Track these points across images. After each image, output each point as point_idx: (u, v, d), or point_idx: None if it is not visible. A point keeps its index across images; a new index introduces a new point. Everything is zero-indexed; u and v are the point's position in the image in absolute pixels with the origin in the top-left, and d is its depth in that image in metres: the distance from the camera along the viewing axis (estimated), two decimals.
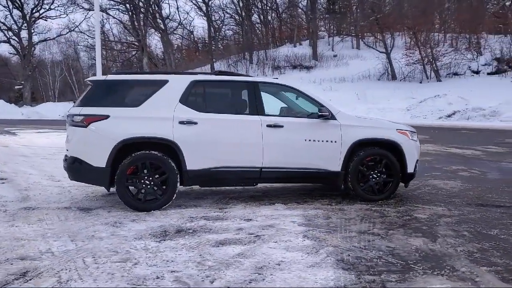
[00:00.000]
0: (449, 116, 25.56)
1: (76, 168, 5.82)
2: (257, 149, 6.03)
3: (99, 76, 6.32)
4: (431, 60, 33.30)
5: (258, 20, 56.41)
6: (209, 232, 4.94)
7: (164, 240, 4.65)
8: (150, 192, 5.82)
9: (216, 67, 44.49)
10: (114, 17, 50.65)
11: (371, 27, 38.47)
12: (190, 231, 4.98)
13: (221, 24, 56.42)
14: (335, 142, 6.21)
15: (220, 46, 56.41)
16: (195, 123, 5.88)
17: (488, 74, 33.02)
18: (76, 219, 5.47)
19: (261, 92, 6.22)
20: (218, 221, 5.38)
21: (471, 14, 36.44)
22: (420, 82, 33.76)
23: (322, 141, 6.19)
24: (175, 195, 5.94)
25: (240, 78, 6.40)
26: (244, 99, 6.21)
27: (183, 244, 4.52)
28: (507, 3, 42.04)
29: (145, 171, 5.80)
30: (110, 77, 6.08)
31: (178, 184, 5.89)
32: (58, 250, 4.35)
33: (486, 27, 36.75)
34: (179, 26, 54.99)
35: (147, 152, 5.78)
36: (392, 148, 6.38)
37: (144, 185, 5.80)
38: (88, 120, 5.74)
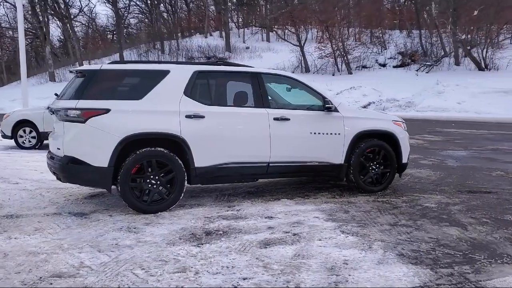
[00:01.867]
0: (364, 107, 26.80)
1: (73, 169, 5.18)
2: (264, 143, 5.80)
3: (93, 66, 5.65)
4: (342, 53, 34.67)
5: (165, 9, 54.90)
6: (241, 232, 4.66)
7: (203, 244, 4.30)
8: (156, 192, 5.35)
9: (125, 57, 42.65)
10: (7, 1, 46.36)
11: (284, 19, 39.12)
12: (220, 232, 4.66)
13: (126, 12, 54.08)
14: (339, 134, 6.16)
15: (125, 34, 54.12)
16: (202, 117, 5.50)
17: (394, 67, 35.18)
18: (81, 226, 4.88)
19: (266, 84, 5.98)
20: (240, 220, 5.10)
21: (371, 10, 38.52)
22: (333, 75, 35.03)
23: (327, 133, 6.12)
24: (182, 195, 5.53)
25: (244, 69, 6.10)
26: (249, 91, 5.93)
27: (228, 247, 4.21)
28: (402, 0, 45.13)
29: (150, 169, 5.32)
30: (106, 67, 5.48)
31: (186, 182, 5.48)
32: (94, 263, 3.83)
33: (388, 22, 39.05)
34: (80, 13, 51.92)
35: (153, 149, 5.31)
36: (389, 139, 6.48)
37: (149, 185, 5.32)
38: (87, 115, 5.12)
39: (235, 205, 5.77)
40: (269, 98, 6.01)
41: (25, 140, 11.64)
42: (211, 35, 49.83)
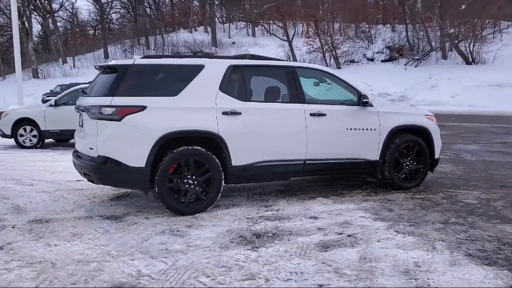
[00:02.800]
0: None
1: (109, 169, 4.89)
2: (301, 140, 5.59)
3: (125, 61, 5.35)
4: (331, 48, 34.62)
5: (147, 4, 54.12)
6: (292, 234, 4.45)
7: (258, 248, 4.07)
8: (193, 192, 5.11)
9: (110, 52, 41.94)
10: None
11: (271, 14, 38.92)
12: (270, 234, 4.44)
13: (108, 8, 53.15)
14: (374, 130, 5.99)
15: (108, 30, 53.22)
16: (239, 113, 5.26)
17: (382, 61, 35.32)
18: (120, 230, 4.61)
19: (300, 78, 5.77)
20: (284, 221, 4.89)
21: (357, 5, 38.56)
22: None
23: (362, 129, 5.94)
24: (219, 195, 5.29)
25: (279, 63, 5.87)
26: (284, 86, 5.71)
27: (286, 251, 3.99)
28: None
29: (187, 169, 5.07)
30: (139, 61, 5.19)
31: (223, 182, 5.24)
32: (152, 272, 3.58)
33: (373, 17, 39.19)
34: (62, 8, 50.85)
35: (190, 147, 5.05)
36: (422, 134, 6.33)
37: (187, 186, 5.07)
38: (122, 112, 4.84)
39: (271, 204, 5.55)
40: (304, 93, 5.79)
41: (25, 139, 11.21)
42: (195, 30, 49.34)
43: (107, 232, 4.57)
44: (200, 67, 5.28)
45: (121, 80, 4.94)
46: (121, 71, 4.99)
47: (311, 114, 5.63)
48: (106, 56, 41.70)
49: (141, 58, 5.32)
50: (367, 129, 5.95)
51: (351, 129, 5.87)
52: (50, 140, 11.97)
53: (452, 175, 7.26)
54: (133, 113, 4.86)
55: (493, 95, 20.90)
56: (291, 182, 6.79)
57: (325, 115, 5.70)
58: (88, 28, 58.05)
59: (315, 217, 5.03)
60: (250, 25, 47.37)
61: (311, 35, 36.61)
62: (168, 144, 4.98)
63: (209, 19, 45.11)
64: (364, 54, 36.42)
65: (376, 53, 36.31)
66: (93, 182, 5.17)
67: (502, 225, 4.68)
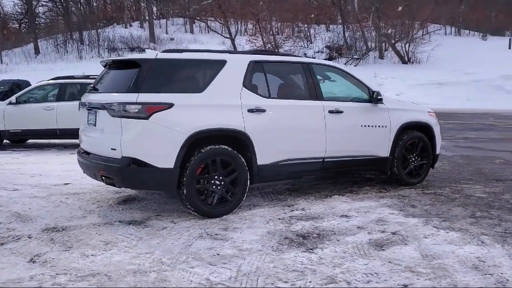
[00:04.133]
0: None
1: (135, 171, 4.55)
2: (320, 138, 5.52)
3: (146, 55, 4.96)
4: (274, 46, 34.85)
5: None
6: (336, 234, 4.36)
7: (312, 250, 3.95)
8: (220, 194, 4.88)
9: (41, 47, 39.70)
10: None
11: (213, 11, 38.56)
12: (315, 235, 4.32)
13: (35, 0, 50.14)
14: (385, 126, 6.03)
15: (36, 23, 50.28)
16: (263, 110, 5.09)
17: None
18: (155, 237, 4.30)
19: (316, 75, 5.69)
20: (317, 220, 4.79)
21: (296, 4, 39.13)
22: None
23: (375, 126, 5.96)
24: (245, 196, 5.10)
25: (297, 58, 5.75)
26: (303, 82, 5.60)
27: (345, 252, 3.90)
28: None
29: (214, 169, 4.83)
30: (163, 55, 4.87)
31: (248, 182, 5.06)
32: (222, 279, 3.36)
33: (312, 17, 39.97)
34: None
35: (217, 147, 4.82)
36: (425, 130, 6.46)
37: (214, 187, 4.84)
38: (150, 110, 4.52)
39: (293, 204, 5.43)
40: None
41: None
42: (130, 25, 47.81)
43: (140, 239, 4.25)
44: (222, 62, 5.05)
45: (145, 75, 4.61)
46: (144, 65, 4.65)
47: (330, 111, 5.57)
48: (37, 52, 39.40)
49: (163, 52, 5.00)
50: (379, 126, 5.98)
51: (365, 126, 5.87)
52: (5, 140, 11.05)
53: (443, 170, 7.49)
54: (160, 110, 4.55)
55: (436, 93, 21.96)
56: (296, 180, 6.69)
57: (342, 112, 5.66)
58: (12, 21, 54.47)
59: (346, 215, 4.96)
60: (188, 21, 46.65)
61: (253, 34, 36.62)
62: (195, 143, 4.71)
63: (147, 14, 43.86)
64: (305, 54, 36.88)
65: (317, 52, 36.97)
66: (113, 185, 4.80)
67: None
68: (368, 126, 5.89)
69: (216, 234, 4.35)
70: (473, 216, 4.89)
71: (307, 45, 38.51)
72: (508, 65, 26.58)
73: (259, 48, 35.48)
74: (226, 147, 4.86)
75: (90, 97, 5.05)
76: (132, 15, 51.28)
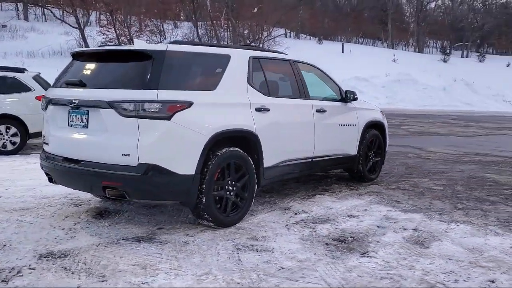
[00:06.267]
0: None
1: (154, 180, 3.91)
2: (310, 137, 5.43)
3: (155, 46, 4.21)
4: (128, 39, 33.30)
5: None
6: (368, 235, 4.33)
7: (365, 253, 3.86)
8: (232, 200, 4.50)
9: None
10: None
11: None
12: (351, 239, 4.23)
13: None
14: (355, 125, 6.18)
15: None
16: (268, 109, 4.82)
17: None
18: (191, 254, 3.76)
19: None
20: (333, 222, 4.70)
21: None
22: None
23: (348, 125, 6.07)
24: (253, 201, 4.78)
25: (284, 56, 5.52)
26: (293, 80, 5.42)
27: (400, 253, 3.89)
28: None
29: (229, 174, 4.44)
30: (174, 47, 4.24)
31: (256, 186, 4.75)
32: None
33: (170, 12, 39.29)
34: None
35: (231, 149, 4.42)
36: (380, 129, 6.78)
37: (228, 193, 4.44)
38: (172, 109, 3.93)
39: (287, 207, 5.23)
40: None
41: None
42: None
43: (176, 258, 3.68)
44: (227, 57, 4.64)
45: (161, 69, 3.99)
46: (158, 58, 4.03)
47: (317, 111, 5.51)
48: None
49: (171, 43, 4.38)
50: (350, 125, 6.10)
51: (341, 125, 5.94)
52: None
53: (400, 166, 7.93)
54: (181, 110, 4.00)
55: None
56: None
57: (325, 111, 5.63)
58: None
59: (351, 215, 4.96)
60: (22, 7, 42.14)
61: (105, 25, 34.48)
62: (213, 146, 4.26)
63: None
64: None
65: None
66: (120, 198, 4.07)
67: (504, 205, 5.41)
68: (344, 125, 5.97)
69: (252, 245, 3.99)
70: (458, 209, 5.27)
71: (161, 40, 37.62)
72: (342, 68, 29.00)
73: (112, 40, 33.61)
74: (238, 149, 4.48)
75: (75, 93, 4.21)
76: None
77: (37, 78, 8.94)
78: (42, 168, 4.64)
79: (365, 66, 34.06)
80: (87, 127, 4.13)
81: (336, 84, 6.10)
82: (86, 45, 33.59)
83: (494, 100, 30.12)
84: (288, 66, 5.41)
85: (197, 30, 38.42)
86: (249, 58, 4.85)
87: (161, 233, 4.27)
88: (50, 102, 4.46)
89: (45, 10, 40.77)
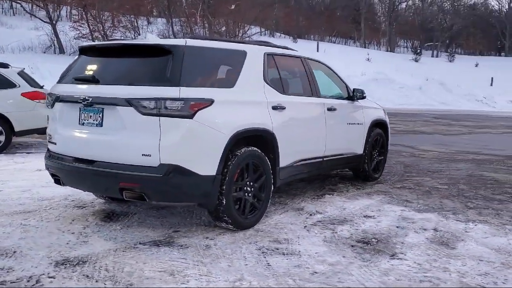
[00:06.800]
0: None
1: (176, 181, 3.72)
2: (322, 136, 5.32)
3: (173, 40, 4.00)
4: (103, 35, 32.59)
5: None
6: (390, 236, 4.25)
7: (394, 255, 3.78)
8: (251, 202, 4.35)
9: None
10: None
11: None
12: (375, 241, 4.12)
13: None
14: (361, 124, 6.11)
15: None
16: (284, 108, 4.68)
17: None
18: (216, 258, 3.59)
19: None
20: (351, 223, 4.60)
21: None
22: None
23: (354, 123, 5.99)
24: (269, 202, 4.63)
25: (295, 53, 5.38)
26: (305, 78, 5.30)
27: (429, 254, 3.82)
28: None
29: (247, 175, 4.28)
30: (193, 42, 4.03)
31: (272, 187, 4.61)
32: None
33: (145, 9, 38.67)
34: None
35: (249, 149, 4.26)
36: (383, 128, 6.72)
37: (246, 194, 4.28)
38: (195, 107, 3.75)
39: (299, 207, 5.11)
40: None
41: None
42: None
43: (203, 263, 3.51)
44: (244, 54, 4.47)
45: (181, 65, 3.80)
46: (177, 53, 3.83)
47: (328, 109, 5.41)
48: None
49: (188, 38, 4.18)
50: (357, 124, 6.03)
51: (350, 124, 5.86)
52: None
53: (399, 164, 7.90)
54: (204, 108, 3.82)
55: None
56: None
57: (335, 110, 5.53)
58: None
59: (367, 215, 4.88)
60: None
61: (78, 20, 33.63)
62: (233, 145, 4.10)
63: None
64: None
65: None
66: (139, 200, 3.85)
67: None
68: (352, 124, 5.89)
69: (277, 249, 3.85)
70: (470, 208, 5.25)
71: (135, 36, 36.99)
72: None
73: (85, 35, 32.83)
74: (256, 149, 4.33)
75: (87, 90, 3.97)
76: None
77: (22, 74, 8.55)
78: (47, 169, 4.38)
79: (341, 65, 34.35)
80: (101, 126, 3.91)
81: (343, 82, 6.00)
82: (59, 41, 32.78)
83: (466, 99, 30.79)
84: (300, 63, 5.28)
85: (172, 27, 37.98)
86: (264, 54, 4.69)
87: (178, 236, 4.08)
88: (57, 99, 4.21)
89: (13, 3, 39.54)
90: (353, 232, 4.32)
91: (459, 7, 65.50)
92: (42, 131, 8.39)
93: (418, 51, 53.39)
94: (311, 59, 5.56)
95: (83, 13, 32.54)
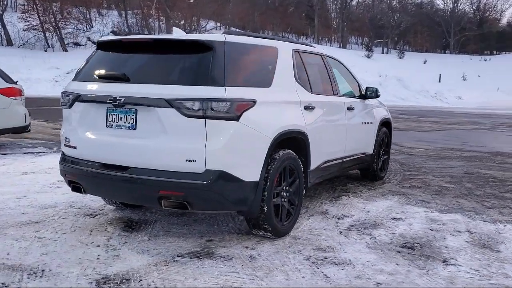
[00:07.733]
0: None
1: (222, 188, 3.42)
2: (343, 136, 5.16)
3: (213, 36, 3.64)
4: (54, 27, 31.19)
5: None
6: (429, 240, 4.14)
7: (448, 262, 3.67)
8: (287, 207, 4.13)
9: None
10: None
11: None
12: (418, 245, 4.01)
13: None
14: (373, 123, 6.01)
15: None
16: (313, 107, 4.47)
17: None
18: (269, 271, 3.35)
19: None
20: (385, 227, 4.46)
21: None
22: (45, 51, 31.15)
23: (368, 123, 5.88)
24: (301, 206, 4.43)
25: (318, 50, 5.17)
26: (326, 76, 5.10)
27: (480, 259, 3.74)
28: None
29: (284, 179, 4.05)
30: (232, 38, 3.71)
31: (304, 191, 4.40)
32: None
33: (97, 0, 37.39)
34: None
35: (285, 151, 4.02)
36: (388, 127, 6.65)
37: (283, 199, 4.05)
38: (241, 108, 3.48)
39: (324, 210, 4.93)
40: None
41: None
42: None
43: (256, 276, 3.26)
44: (276, 50, 4.23)
45: (223, 63, 3.51)
46: (218, 50, 3.53)
47: (348, 108, 5.25)
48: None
49: (223, 33, 3.87)
50: (369, 123, 5.92)
51: (364, 123, 5.74)
52: None
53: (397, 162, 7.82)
54: (248, 109, 3.55)
55: None
56: None
57: (353, 109, 5.39)
58: None
59: (395, 218, 4.76)
60: None
61: (27, 10, 32.00)
62: (274, 149, 3.86)
63: None
64: (89, 38, 34.18)
65: (101, 36, 34.56)
66: (181, 209, 3.53)
67: None
68: (366, 123, 5.77)
69: (325, 258, 3.65)
70: (489, 207, 5.25)
71: (88, 28, 35.70)
72: None
73: (35, 27, 31.31)
74: (291, 151, 4.10)
75: (118, 89, 3.59)
76: None
77: None
78: (64, 175, 3.96)
79: None
80: (134, 129, 3.55)
81: (356, 80, 5.86)
82: (6, 33, 31.07)
83: (422, 95, 31.71)
84: (321, 60, 5.10)
85: (126, 19, 36.90)
86: (292, 51, 4.46)
87: (215, 246, 3.80)
88: (78, 98, 3.80)
89: None
90: (391, 236, 4.18)
91: (407, 5, 67.45)
92: (18, 131, 7.81)
93: (370, 47, 54.54)
94: (329, 56, 5.37)
95: (32, 3, 30.95)
